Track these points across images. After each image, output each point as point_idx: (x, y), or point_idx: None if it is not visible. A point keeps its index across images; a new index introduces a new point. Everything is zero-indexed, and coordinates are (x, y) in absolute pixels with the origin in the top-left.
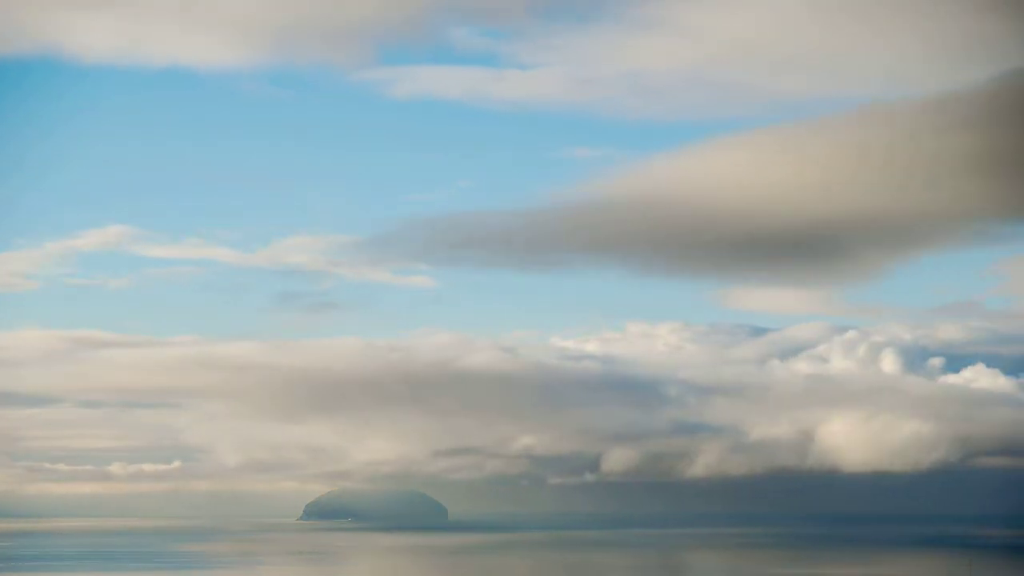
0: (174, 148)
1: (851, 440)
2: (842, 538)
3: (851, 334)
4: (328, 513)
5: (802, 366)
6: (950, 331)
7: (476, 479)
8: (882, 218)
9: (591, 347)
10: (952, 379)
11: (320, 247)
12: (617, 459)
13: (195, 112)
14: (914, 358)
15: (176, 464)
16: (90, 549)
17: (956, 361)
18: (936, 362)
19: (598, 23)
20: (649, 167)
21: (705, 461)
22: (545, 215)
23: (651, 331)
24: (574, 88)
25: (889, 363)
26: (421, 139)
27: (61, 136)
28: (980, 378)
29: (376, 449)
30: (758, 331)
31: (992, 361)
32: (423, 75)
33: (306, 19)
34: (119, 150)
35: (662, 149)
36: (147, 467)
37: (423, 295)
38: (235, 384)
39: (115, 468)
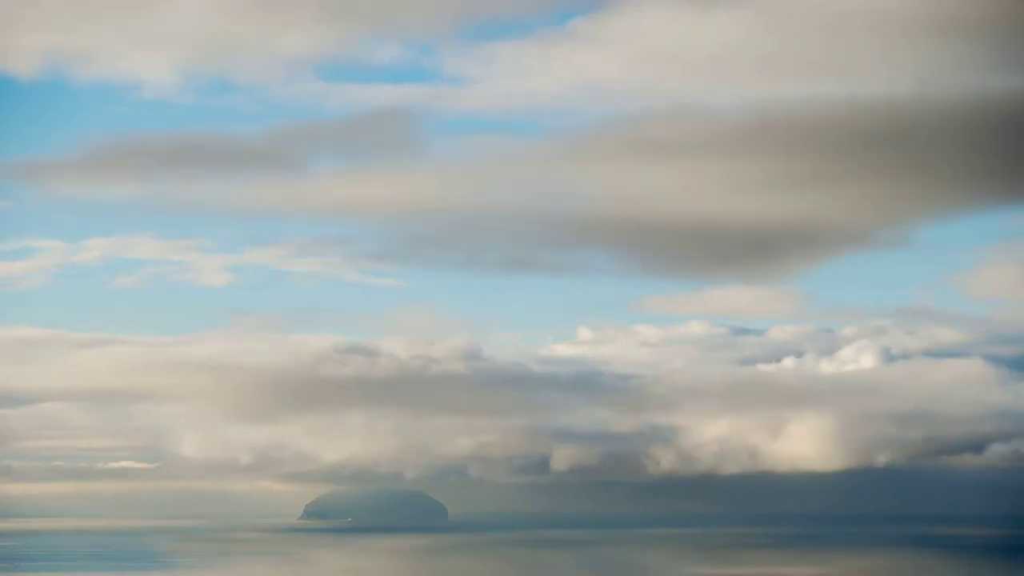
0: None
1: (821, 440)
2: (823, 537)
3: (820, 335)
4: (328, 513)
5: (772, 367)
6: (918, 332)
7: (456, 478)
8: (826, 217)
9: (567, 348)
10: (922, 377)
11: (294, 248)
12: (589, 457)
13: (148, 124)
14: (884, 358)
15: (160, 463)
16: (89, 549)
17: (924, 360)
18: (905, 361)
19: (527, 38)
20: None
21: (684, 459)
22: (519, 215)
23: (627, 332)
24: (510, 100)
25: (860, 363)
26: (373, 146)
27: (50, 138)
28: (951, 377)
29: (349, 449)
30: (735, 332)
31: (964, 360)
32: (362, 92)
33: (240, 38)
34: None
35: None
36: (131, 465)
37: (394, 295)
38: (210, 384)
39: (99, 467)
